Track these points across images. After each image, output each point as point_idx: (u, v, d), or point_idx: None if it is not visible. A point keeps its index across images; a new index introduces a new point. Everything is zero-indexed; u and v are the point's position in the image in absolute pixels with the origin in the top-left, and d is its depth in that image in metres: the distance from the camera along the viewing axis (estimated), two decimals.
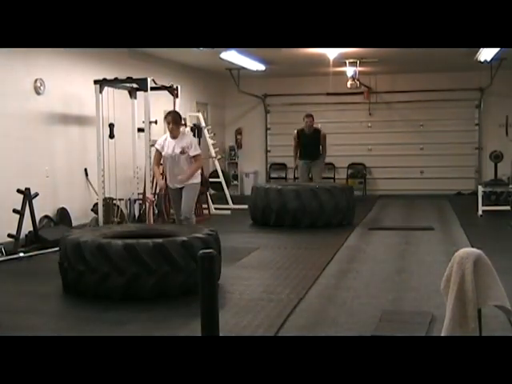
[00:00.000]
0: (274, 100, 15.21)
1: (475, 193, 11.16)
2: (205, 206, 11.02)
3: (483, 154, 14.32)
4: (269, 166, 15.62)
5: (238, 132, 15.74)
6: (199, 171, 7.52)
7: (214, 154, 12.35)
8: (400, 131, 14.74)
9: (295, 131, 11.39)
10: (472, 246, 6.08)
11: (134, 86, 8.98)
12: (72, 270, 5.35)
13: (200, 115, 12.40)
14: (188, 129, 11.00)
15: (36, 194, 7.65)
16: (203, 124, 12.17)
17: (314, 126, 11.34)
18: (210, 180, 12.45)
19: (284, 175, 15.27)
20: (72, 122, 9.22)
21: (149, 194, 8.55)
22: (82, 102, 9.28)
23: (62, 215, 8.74)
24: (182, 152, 7.18)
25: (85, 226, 8.49)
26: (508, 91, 13.82)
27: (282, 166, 15.33)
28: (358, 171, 14.96)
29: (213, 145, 12.43)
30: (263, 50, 10.39)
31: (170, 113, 7.43)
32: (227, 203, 12.05)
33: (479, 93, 14.24)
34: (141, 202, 9.18)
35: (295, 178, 12.48)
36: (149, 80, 8.69)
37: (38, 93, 8.44)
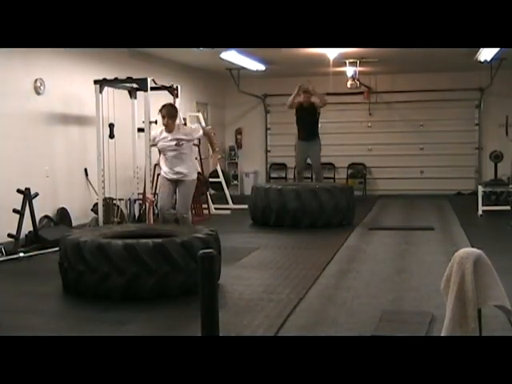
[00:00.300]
0: (274, 100, 15.19)
1: (475, 193, 11.15)
2: (205, 205, 11.02)
3: (483, 154, 14.32)
4: (269, 166, 15.62)
5: (238, 132, 15.74)
6: (198, 166, 7.32)
7: None
8: (400, 131, 14.74)
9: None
10: (472, 246, 6.07)
11: (134, 86, 8.97)
12: (72, 270, 5.34)
13: (200, 115, 12.40)
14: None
15: (36, 194, 7.65)
16: (203, 124, 12.17)
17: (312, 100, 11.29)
18: (210, 180, 12.46)
19: (284, 175, 15.27)
20: (72, 121, 9.23)
21: (149, 194, 8.54)
22: (82, 102, 9.28)
23: (62, 215, 8.74)
24: (178, 144, 7.08)
25: (85, 226, 8.49)
26: (508, 91, 13.82)
27: (282, 166, 15.33)
28: (358, 171, 14.96)
29: None
30: (263, 50, 10.39)
31: (164, 106, 7.21)
32: (227, 203, 12.05)
33: (479, 93, 14.24)
34: (141, 201, 9.17)
35: (295, 178, 12.47)
36: (149, 80, 8.69)
37: (38, 93, 8.44)
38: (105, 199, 8.74)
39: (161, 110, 7.17)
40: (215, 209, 11.49)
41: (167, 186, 7.19)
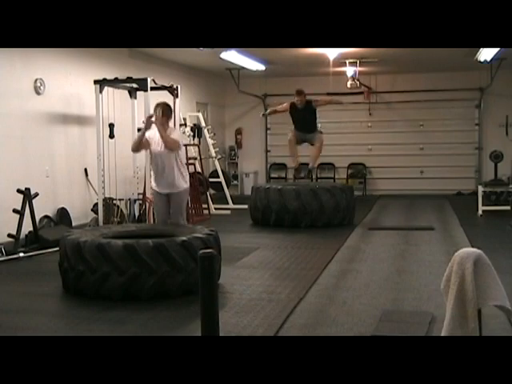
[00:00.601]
0: (274, 100, 15.16)
1: (475, 193, 11.17)
2: (205, 205, 11.03)
3: (483, 154, 14.32)
4: (269, 166, 15.63)
5: (238, 132, 15.75)
6: (187, 174, 6.95)
7: (213, 154, 12.36)
8: (400, 131, 14.75)
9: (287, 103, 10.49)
10: (472, 246, 6.08)
11: (134, 85, 8.98)
12: (72, 270, 5.34)
13: (200, 115, 12.41)
14: (184, 128, 11.00)
15: (36, 194, 7.65)
16: (203, 124, 12.18)
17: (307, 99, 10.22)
18: (210, 180, 12.46)
19: (284, 175, 15.27)
20: (72, 121, 9.22)
21: (149, 194, 8.53)
22: (82, 102, 9.28)
23: (62, 215, 8.74)
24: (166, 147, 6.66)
25: (85, 226, 8.49)
26: (508, 91, 13.82)
27: (282, 166, 15.33)
28: (358, 171, 14.97)
29: (213, 145, 12.45)
30: (263, 50, 10.39)
31: (159, 105, 6.66)
32: (227, 203, 12.05)
33: (479, 93, 14.25)
34: (141, 201, 9.17)
35: (295, 178, 12.43)
36: (149, 80, 8.69)
37: (37, 93, 8.44)
38: (105, 199, 8.75)
39: (155, 109, 6.72)
40: (215, 209, 11.49)
41: (161, 201, 6.81)
